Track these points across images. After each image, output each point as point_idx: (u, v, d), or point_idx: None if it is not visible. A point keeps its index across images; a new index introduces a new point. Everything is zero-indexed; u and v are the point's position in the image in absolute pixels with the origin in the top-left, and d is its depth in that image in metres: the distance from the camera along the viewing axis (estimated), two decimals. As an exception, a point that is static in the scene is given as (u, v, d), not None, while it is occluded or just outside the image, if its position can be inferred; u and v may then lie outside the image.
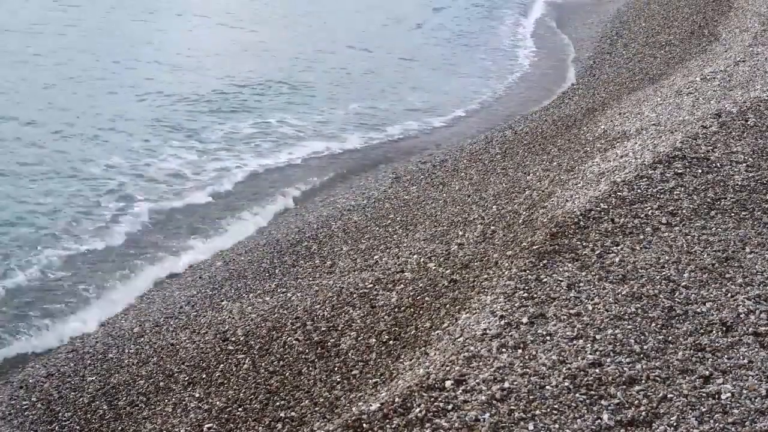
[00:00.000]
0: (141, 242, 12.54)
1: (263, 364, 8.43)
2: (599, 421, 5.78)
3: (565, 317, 6.98)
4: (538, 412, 5.87)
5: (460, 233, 10.44)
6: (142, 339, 9.81)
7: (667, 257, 7.96)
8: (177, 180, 14.63)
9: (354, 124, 17.70)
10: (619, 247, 8.17)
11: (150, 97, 17.99)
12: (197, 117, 17.21)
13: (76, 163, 14.65)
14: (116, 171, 14.56)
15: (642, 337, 6.71)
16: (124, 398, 8.71)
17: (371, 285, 9.44)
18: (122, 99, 17.61)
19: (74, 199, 13.41)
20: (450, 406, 5.97)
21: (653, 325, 6.89)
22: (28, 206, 12.97)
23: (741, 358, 6.47)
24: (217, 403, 8.03)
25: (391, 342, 8.03)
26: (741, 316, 7.03)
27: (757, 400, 5.99)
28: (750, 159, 10.22)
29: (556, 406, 5.92)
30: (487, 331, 6.86)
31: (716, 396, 6.04)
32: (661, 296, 7.29)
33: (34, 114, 16.06)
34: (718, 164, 10.05)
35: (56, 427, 8.49)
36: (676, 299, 7.26)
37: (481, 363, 6.44)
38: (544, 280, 7.61)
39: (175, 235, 12.81)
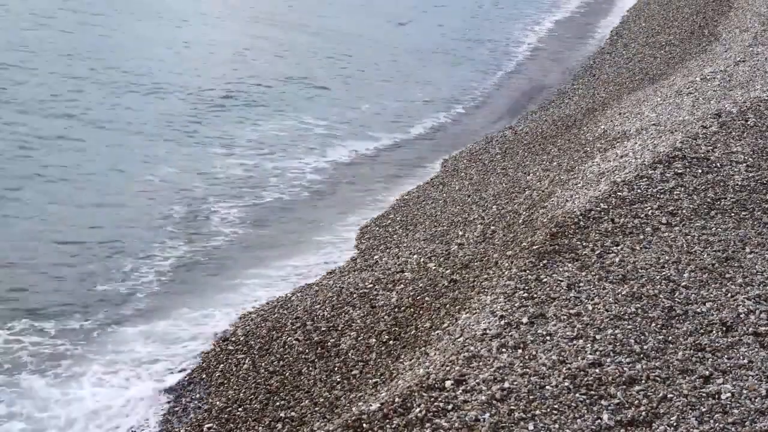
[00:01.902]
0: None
1: (263, 364, 8.43)
2: (599, 421, 5.79)
3: (565, 317, 6.98)
4: (538, 412, 5.87)
5: (460, 233, 10.44)
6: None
7: (667, 257, 7.97)
8: (248, 183, 13.69)
9: (384, 122, 17.30)
10: (619, 247, 8.17)
11: (169, 96, 17.34)
12: (226, 119, 16.57)
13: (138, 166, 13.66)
14: (171, 180, 13.40)
15: (642, 337, 6.72)
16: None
17: (371, 285, 9.44)
18: (138, 101, 17.04)
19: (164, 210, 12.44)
20: (450, 406, 5.97)
21: (653, 325, 6.89)
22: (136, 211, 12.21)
23: (741, 358, 6.48)
24: (217, 403, 8.03)
25: (391, 342, 8.03)
26: (741, 316, 7.03)
27: (757, 400, 5.99)
28: (750, 159, 10.22)
29: (556, 406, 5.92)
30: (487, 331, 6.87)
31: (716, 396, 6.04)
32: (661, 296, 7.29)
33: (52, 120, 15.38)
34: (718, 164, 10.05)
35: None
36: (676, 299, 7.26)
37: (481, 363, 6.44)
38: (544, 280, 7.61)
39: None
